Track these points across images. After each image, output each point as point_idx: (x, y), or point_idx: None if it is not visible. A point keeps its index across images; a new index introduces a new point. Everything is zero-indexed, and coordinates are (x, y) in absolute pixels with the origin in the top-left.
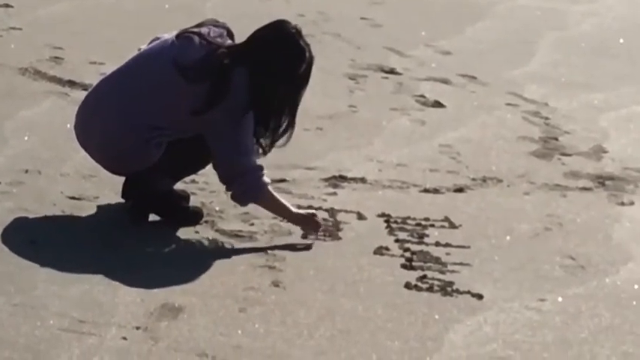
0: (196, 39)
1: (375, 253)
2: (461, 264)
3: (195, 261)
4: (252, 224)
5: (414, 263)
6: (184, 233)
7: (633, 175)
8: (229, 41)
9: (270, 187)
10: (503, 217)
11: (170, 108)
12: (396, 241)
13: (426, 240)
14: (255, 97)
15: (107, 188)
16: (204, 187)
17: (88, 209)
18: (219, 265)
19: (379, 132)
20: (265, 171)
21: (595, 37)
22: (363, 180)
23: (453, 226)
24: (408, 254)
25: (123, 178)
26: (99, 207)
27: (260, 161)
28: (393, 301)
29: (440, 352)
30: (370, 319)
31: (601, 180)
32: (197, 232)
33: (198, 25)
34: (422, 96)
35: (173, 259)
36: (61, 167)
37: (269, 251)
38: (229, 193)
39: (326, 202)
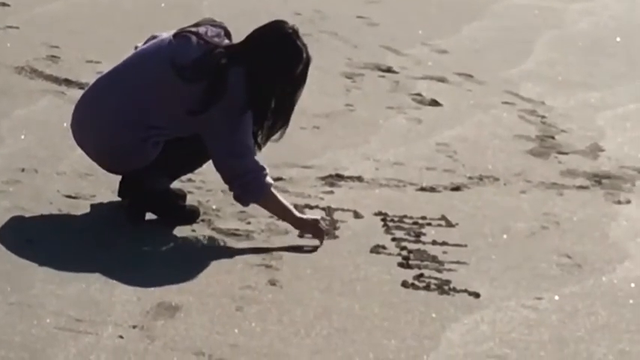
0: (194, 38)
1: (371, 251)
2: (458, 262)
3: (192, 260)
4: (249, 223)
5: (410, 262)
6: (181, 232)
7: (630, 174)
8: (227, 41)
9: (273, 189)
10: (499, 215)
11: (167, 107)
12: (393, 239)
13: (422, 238)
14: (252, 97)
15: (104, 187)
16: (200, 185)
17: (84, 208)
18: (215, 263)
19: (376, 130)
20: (268, 171)
21: (591, 35)
22: (359, 178)
23: (449, 224)
24: (404, 253)
25: (119, 177)
26: (95, 206)
27: (261, 160)
28: (390, 300)
29: (437, 350)
30: (367, 317)
31: (597, 178)
32: (194, 230)
33: (196, 25)
34: (418, 94)
35: (170, 258)
36: (58, 166)
37: (267, 251)
38: (232, 193)
39: (323, 201)
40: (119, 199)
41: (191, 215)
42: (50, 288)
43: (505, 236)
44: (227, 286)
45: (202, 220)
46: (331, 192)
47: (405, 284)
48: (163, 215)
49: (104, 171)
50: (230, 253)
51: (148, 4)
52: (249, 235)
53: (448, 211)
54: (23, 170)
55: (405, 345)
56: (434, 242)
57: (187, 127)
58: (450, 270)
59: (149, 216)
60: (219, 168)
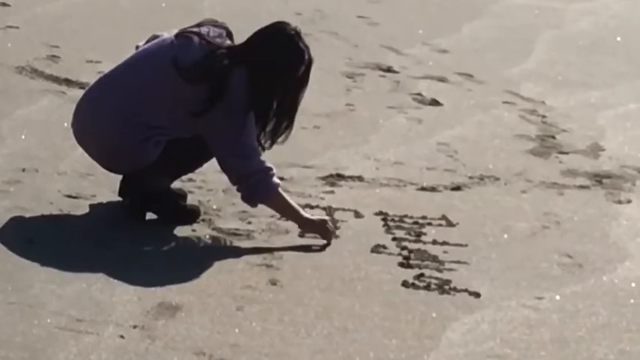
0: (196, 39)
1: (372, 251)
2: (458, 262)
3: (193, 259)
4: (250, 223)
5: (411, 261)
6: (181, 232)
7: (630, 173)
8: (228, 41)
9: (280, 190)
10: (500, 215)
11: (168, 108)
12: (394, 239)
13: (423, 238)
14: (254, 98)
15: (104, 187)
16: (201, 185)
17: (85, 208)
18: (216, 263)
19: (376, 130)
20: (275, 172)
21: (592, 35)
22: (360, 178)
23: (450, 224)
24: (405, 252)
25: (120, 177)
26: (96, 205)
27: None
28: (391, 300)
29: (437, 350)
30: (367, 317)
31: (598, 178)
32: (194, 230)
33: (198, 25)
34: (419, 94)
35: (170, 258)
36: (58, 166)
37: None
38: (235, 193)
39: (323, 201)
40: (120, 198)
41: (192, 215)
42: (51, 288)
43: (506, 236)
44: (228, 286)
45: (203, 220)
46: (332, 192)
47: (405, 284)
48: (164, 215)
49: (105, 171)
50: (231, 252)
51: (149, 4)
52: (249, 235)
53: (449, 211)
54: (24, 170)
55: (406, 344)
56: (434, 242)
57: (189, 128)
58: (450, 270)
59: (150, 216)
60: (225, 169)
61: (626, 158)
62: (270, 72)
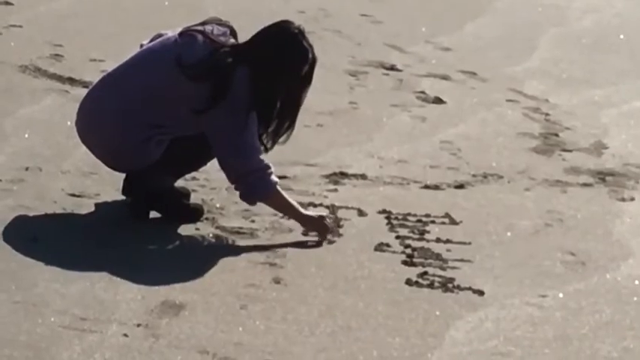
0: (200, 37)
1: (375, 249)
2: (462, 260)
3: (196, 258)
4: (253, 221)
5: (414, 260)
6: (185, 230)
7: (634, 171)
8: (232, 40)
9: (278, 188)
10: (503, 213)
11: (172, 106)
12: (397, 237)
13: (426, 236)
14: (256, 97)
15: (108, 185)
16: (204, 184)
17: (88, 206)
18: (219, 262)
19: (380, 128)
20: (273, 170)
21: (595, 33)
22: (363, 176)
23: (453, 222)
24: (408, 251)
25: (124, 175)
26: (100, 204)
27: (266, 158)
28: (394, 298)
29: (441, 348)
30: (371, 315)
31: (602, 176)
32: (198, 229)
33: (202, 24)
34: (422, 92)
35: (174, 257)
36: (62, 164)
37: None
38: (237, 192)
39: (327, 199)
40: (123, 197)
41: (195, 213)
42: (54, 287)
43: (509, 234)
44: (231, 285)
45: (206, 219)
46: (335, 190)
47: (409, 282)
48: (167, 214)
49: (108, 169)
50: (234, 251)
51: (152, 3)
52: (253, 234)
53: (452, 209)
54: (27, 169)
55: (410, 343)
56: (438, 240)
57: (191, 126)
58: (454, 268)
59: (153, 214)
60: (224, 167)
61: (630, 156)
62: (274, 71)
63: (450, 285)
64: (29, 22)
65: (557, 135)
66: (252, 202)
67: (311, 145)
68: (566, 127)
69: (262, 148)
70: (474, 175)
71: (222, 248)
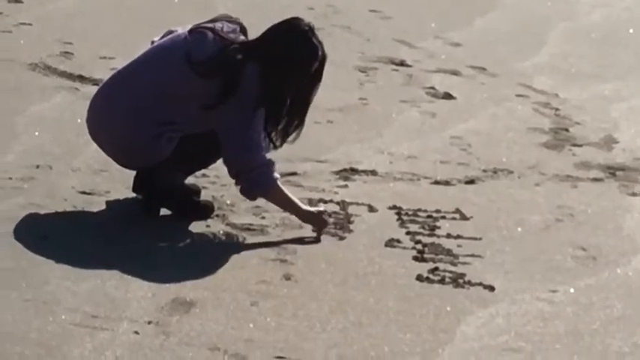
0: (209, 34)
1: (386, 245)
2: (472, 256)
3: (207, 255)
4: (264, 218)
5: (425, 255)
6: (195, 227)
7: None
8: (242, 37)
9: (279, 183)
10: (514, 208)
11: (182, 103)
12: (407, 233)
13: (437, 232)
14: (266, 93)
15: (118, 183)
16: (215, 180)
17: (99, 204)
18: (230, 259)
19: (389, 124)
20: (276, 166)
21: (605, 27)
22: (373, 172)
23: (464, 217)
24: (419, 246)
25: (134, 173)
26: (110, 202)
27: (270, 154)
28: (405, 294)
29: (452, 343)
30: (382, 311)
31: (612, 170)
32: (208, 226)
33: (212, 21)
34: (432, 88)
35: (184, 254)
36: (72, 162)
37: (281, 245)
38: (238, 187)
39: (337, 195)
40: (134, 194)
41: (205, 210)
42: (65, 284)
43: (519, 229)
44: (242, 281)
45: (217, 216)
46: (345, 186)
47: (419, 278)
48: (178, 211)
49: (118, 167)
50: (245, 248)
51: (162, 0)
52: (263, 230)
53: (462, 205)
54: (38, 167)
55: (421, 338)
56: (448, 235)
57: (201, 123)
58: (464, 263)
59: (163, 211)
60: (227, 162)
61: None
62: (284, 68)
63: (460, 280)
64: (39, 20)
65: (567, 130)
66: (252, 197)
67: (321, 142)
68: (576, 122)
69: (271, 145)
70: (484, 171)
71: (232, 245)
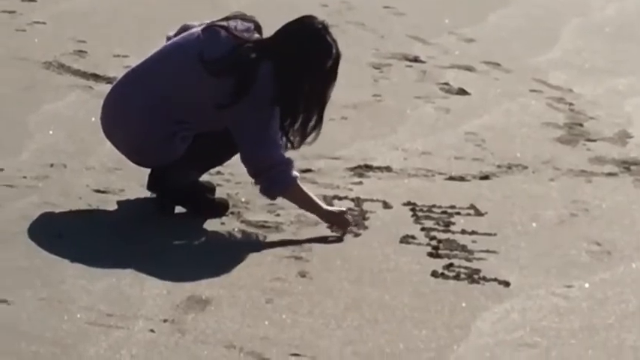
0: (222, 33)
1: (401, 241)
2: (487, 251)
3: (222, 252)
4: (279, 215)
5: (440, 251)
6: (210, 225)
7: None
8: (257, 35)
9: (299, 182)
10: (528, 203)
11: (195, 102)
12: (422, 229)
13: (452, 228)
14: (280, 92)
15: (133, 181)
16: (229, 178)
17: (113, 202)
18: (245, 256)
19: (404, 120)
20: (294, 164)
21: (618, 22)
22: (388, 169)
23: (478, 213)
24: (434, 242)
25: (148, 171)
26: (124, 200)
27: (288, 153)
28: (420, 290)
29: (467, 339)
30: (397, 308)
31: (626, 165)
32: (223, 223)
33: (226, 19)
34: (446, 84)
35: (199, 251)
36: (87, 161)
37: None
38: (257, 187)
39: (352, 192)
40: (148, 192)
41: (220, 208)
42: (81, 283)
43: (534, 224)
44: (257, 279)
45: (232, 213)
46: (360, 182)
47: (434, 274)
48: (192, 208)
49: (133, 165)
50: (260, 245)
51: None
52: (278, 227)
53: (477, 200)
54: (52, 165)
55: (436, 335)
56: (463, 231)
57: (215, 122)
58: (479, 259)
59: (178, 209)
60: (245, 161)
61: None
62: (298, 66)
63: (475, 276)
64: (52, 18)
65: (581, 125)
66: (272, 197)
67: (335, 138)
68: (590, 117)
69: (289, 145)
70: (498, 166)
71: (247, 243)
